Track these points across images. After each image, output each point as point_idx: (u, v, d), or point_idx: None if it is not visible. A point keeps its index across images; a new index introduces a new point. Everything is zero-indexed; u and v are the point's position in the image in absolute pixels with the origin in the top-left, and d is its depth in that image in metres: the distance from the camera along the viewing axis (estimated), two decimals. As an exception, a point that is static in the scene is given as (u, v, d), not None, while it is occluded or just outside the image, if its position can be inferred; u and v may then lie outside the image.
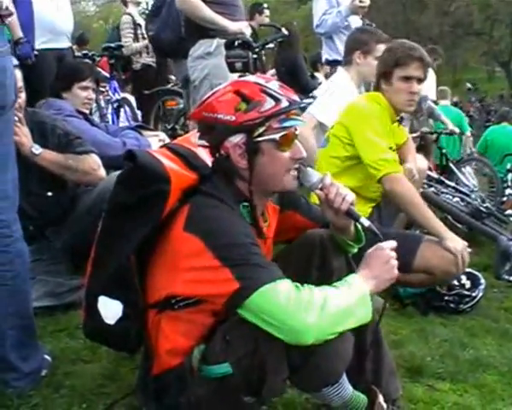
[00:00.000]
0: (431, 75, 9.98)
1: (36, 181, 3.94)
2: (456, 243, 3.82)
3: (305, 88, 7.07)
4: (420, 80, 4.16)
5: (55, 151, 3.93)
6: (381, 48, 4.82)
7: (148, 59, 8.92)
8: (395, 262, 2.44)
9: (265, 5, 8.81)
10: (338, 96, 5.13)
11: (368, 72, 5.21)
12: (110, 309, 2.51)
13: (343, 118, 4.26)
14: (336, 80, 5.52)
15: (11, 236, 2.84)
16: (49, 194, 4.02)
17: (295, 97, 2.45)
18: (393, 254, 2.45)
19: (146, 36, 8.27)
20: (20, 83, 3.87)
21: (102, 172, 4.02)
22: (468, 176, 8.45)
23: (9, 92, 2.79)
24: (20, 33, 5.02)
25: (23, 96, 3.89)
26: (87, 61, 7.01)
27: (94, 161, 4.00)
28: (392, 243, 2.48)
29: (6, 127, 2.82)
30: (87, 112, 5.00)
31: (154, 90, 8.53)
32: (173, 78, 9.32)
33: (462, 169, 8.68)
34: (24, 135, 3.73)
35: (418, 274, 3.90)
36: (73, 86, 4.90)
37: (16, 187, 2.89)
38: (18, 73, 3.84)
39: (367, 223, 2.50)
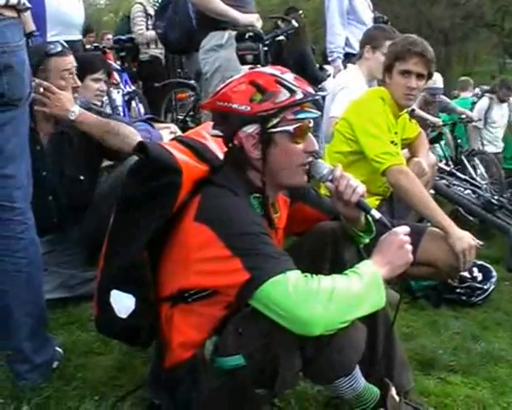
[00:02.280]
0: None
1: (71, 164, 3.98)
2: (459, 240, 3.74)
3: (313, 80, 7.04)
4: (421, 76, 4.13)
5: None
6: (388, 45, 4.83)
7: (156, 50, 8.91)
8: (409, 247, 2.43)
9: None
10: (351, 92, 5.12)
11: (375, 67, 5.22)
12: (122, 303, 2.51)
13: (346, 113, 4.31)
14: (347, 77, 5.53)
15: (26, 223, 2.86)
16: (81, 177, 4.04)
17: (310, 89, 2.44)
18: (407, 238, 2.43)
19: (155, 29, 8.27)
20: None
21: (139, 137, 4.03)
22: (479, 168, 8.45)
23: (26, 85, 2.84)
24: (32, 26, 5.02)
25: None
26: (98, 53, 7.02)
27: (130, 128, 4.02)
28: (406, 229, 2.47)
29: (23, 118, 2.86)
30: (99, 104, 5.00)
31: (165, 83, 8.52)
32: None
33: (472, 162, 8.66)
34: (68, 100, 3.83)
35: (422, 267, 3.84)
36: (85, 78, 4.91)
37: (29, 177, 2.92)
38: (71, 57, 4.01)
39: (378, 215, 2.49)
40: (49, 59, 3.87)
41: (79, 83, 3.99)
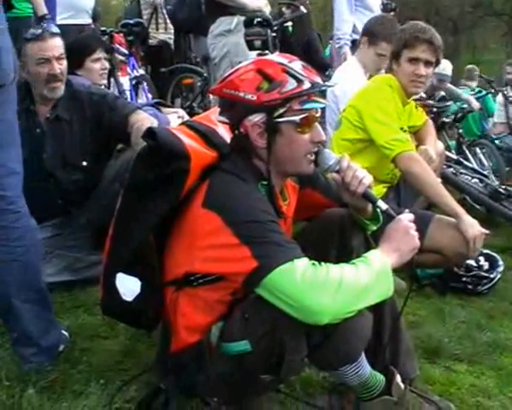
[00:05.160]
0: None
1: (73, 151, 3.96)
2: (471, 227, 3.74)
3: (319, 66, 7.03)
4: (429, 63, 4.12)
5: (96, 121, 3.96)
6: (384, 47, 4.90)
7: (166, 35, 8.89)
8: (415, 233, 2.43)
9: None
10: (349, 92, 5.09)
11: (366, 61, 5.22)
12: (128, 286, 2.51)
13: (354, 101, 4.28)
14: (344, 79, 5.48)
15: (18, 211, 2.82)
16: (84, 164, 4.01)
17: (318, 79, 2.43)
18: (412, 224, 2.44)
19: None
20: (62, 50, 3.91)
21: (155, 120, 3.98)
22: (480, 157, 8.41)
23: (6, 72, 2.74)
24: (44, 10, 5.02)
25: (64, 63, 3.94)
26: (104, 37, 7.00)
27: (145, 116, 3.97)
28: (410, 216, 2.48)
29: (5, 104, 2.78)
30: (105, 81, 5.00)
31: (172, 68, 8.51)
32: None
33: (473, 151, 8.63)
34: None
35: (429, 254, 3.85)
36: (85, 62, 4.92)
37: (21, 163, 2.86)
38: (59, 41, 3.92)
39: (384, 206, 2.49)
40: (27, 44, 3.83)
41: (57, 70, 3.85)
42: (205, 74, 7.96)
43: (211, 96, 6.29)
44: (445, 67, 8.82)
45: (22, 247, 2.83)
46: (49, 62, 3.82)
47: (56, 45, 3.88)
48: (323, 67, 6.89)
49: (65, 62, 3.94)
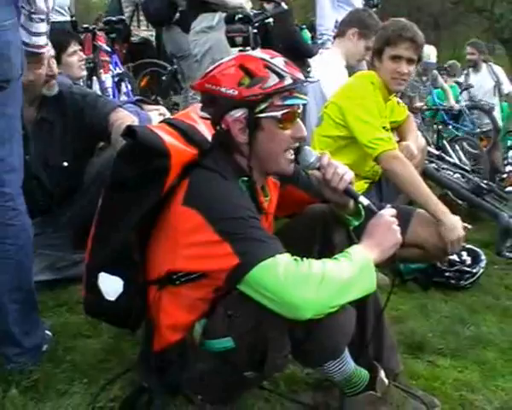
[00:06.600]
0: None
1: (54, 152, 3.95)
2: (451, 233, 3.75)
3: (307, 55, 7.02)
4: (411, 61, 4.13)
5: (78, 121, 3.93)
6: None
7: (147, 32, 8.88)
8: (397, 228, 2.44)
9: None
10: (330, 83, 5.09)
11: (353, 53, 5.26)
12: (110, 285, 2.51)
13: (336, 98, 4.29)
14: (327, 65, 5.48)
15: (16, 209, 2.81)
16: (65, 164, 4.00)
17: (300, 75, 2.43)
18: (394, 220, 2.45)
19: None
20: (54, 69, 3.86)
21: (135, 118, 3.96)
22: (459, 154, 8.46)
23: (14, 66, 2.73)
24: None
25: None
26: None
27: (125, 114, 3.94)
28: (392, 211, 2.49)
29: (9, 99, 2.77)
30: (85, 73, 4.97)
31: (138, 63, 8.54)
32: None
33: (453, 147, 8.67)
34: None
35: (411, 249, 3.82)
36: (61, 58, 4.88)
37: (21, 160, 2.86)
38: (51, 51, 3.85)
39: (366, 202, 2.50)
40: None
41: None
42: (169, 68, 8.00)
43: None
44: (430, 53, 8.86)
45: (16, 245, 2.82)
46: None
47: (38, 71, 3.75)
48: (311, 55, 6.86)
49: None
